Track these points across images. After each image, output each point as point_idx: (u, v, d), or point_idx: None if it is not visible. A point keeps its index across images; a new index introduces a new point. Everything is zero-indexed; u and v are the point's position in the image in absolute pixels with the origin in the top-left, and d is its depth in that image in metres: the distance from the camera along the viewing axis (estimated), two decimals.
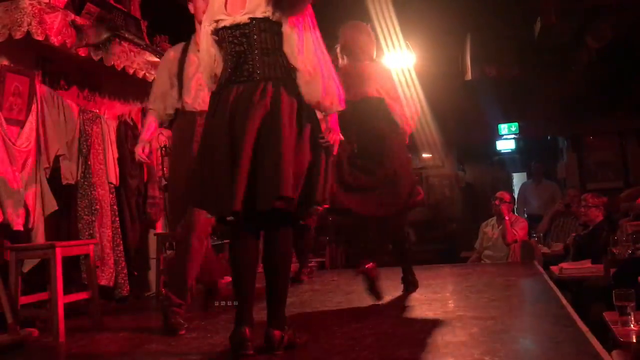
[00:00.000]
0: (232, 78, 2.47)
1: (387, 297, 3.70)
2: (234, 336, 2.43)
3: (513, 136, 9.32)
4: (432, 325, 2.97)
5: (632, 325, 2.52)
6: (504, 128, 9.18)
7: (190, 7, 3.44)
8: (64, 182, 4.14)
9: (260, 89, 2.40)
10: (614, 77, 8.25)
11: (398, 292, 3.85)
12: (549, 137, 9.50)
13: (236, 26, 2.47)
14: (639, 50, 7.55)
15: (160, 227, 5.24)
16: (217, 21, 2.52)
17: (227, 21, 2.49)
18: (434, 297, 3.68)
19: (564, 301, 3.32)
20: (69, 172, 4.17)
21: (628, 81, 8.26)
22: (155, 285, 4.85)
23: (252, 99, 2.39)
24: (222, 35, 2.53)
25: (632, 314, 2.55)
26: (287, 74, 2.46)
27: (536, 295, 3.83)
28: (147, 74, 4.54)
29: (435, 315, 3.20)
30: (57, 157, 4.07)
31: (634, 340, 2.40)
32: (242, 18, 2.45)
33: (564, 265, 4.57)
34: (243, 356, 2.40)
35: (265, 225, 2.51)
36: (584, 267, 4.40)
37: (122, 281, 4.42)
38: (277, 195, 2.30)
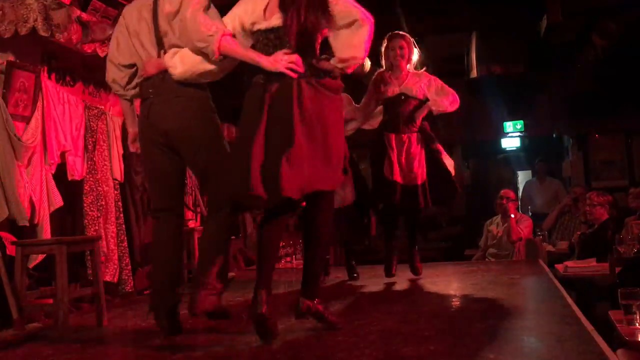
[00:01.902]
0: (266, 77, 2.60)
1: (391, 294, 3.70)
2: (254, 310, 2.54)
3: (518, 134, 9.29)
4: (436, 322, 2.97)
5: (637, 324, 2.51)
6: (509, 126, 9.15)
7: None
8: (70, 178, 4.15)
9: (295, 88, 2.54)
10: (620, 76, 8.21)
11: (403, 288, 3.85)
12: (554, 135, 9.47)
13: (271, 30, 2.63)
14: None
15: None
16: (252, 24, 2.67)
17: (263, 25, 2.64)
18: (439, 295, 3.68)
19: (569, 300, 3.31)
20: (75, 168, 4.19)
21: (634, 79, 8.22)
22: None
23: (290, 95, 2.53)
24: (257, 37, 2.69)
25: (637, 312, 2.54)
26: (316, 71, 2.61)
27: (541, 293, 3.81)
28: None
29: (439, 312, 3.20)
30: (62, 153, 4.09)
31: None
32: (277, 22, 2.60)
33: (568, 263, 4.56)
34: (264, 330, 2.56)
35: (310, 204, 2.69)
36: (589, 266, 4.38)
37: (126, 277, 4.44)
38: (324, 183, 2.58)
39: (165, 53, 2.82)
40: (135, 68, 2.93)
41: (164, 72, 2.78)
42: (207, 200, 3.15)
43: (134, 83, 2.96)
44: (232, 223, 3.07)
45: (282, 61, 2.55)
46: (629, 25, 6.80)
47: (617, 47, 7.34)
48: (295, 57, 2.56)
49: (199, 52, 2.69)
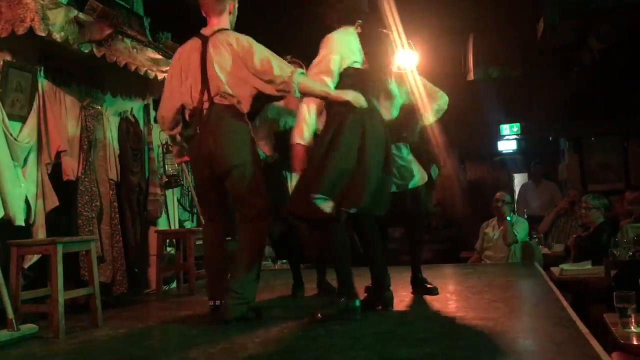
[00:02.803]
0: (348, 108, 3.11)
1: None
2: (351, 304, 3.10)
3: (515, 137, 9.31)
4: (432, 325, 2.97)
5: (632, 327, 2.51)
6: (505, 128, 9.18)
7: (232, 3, 3.43)
8: (65, 178, 4.14)
9: (378, 115, 3.24)
10: (616, 79, 8.24)
11: (399, 291, 3.84)
12: (550, 138, 9.49)
13: (364, 70, 3.20)
14: None
15: (161, 224, 5.25)
16: (355, 61, 3.18)
17: (362, 64, 3.19)
18: (435, 297, 3.68)
19: (565, 302, 3.32)
20: (70, 168, 4.17)
21: (630, 83, 8.24)
22: (156, 282, 4.85)
23: (379, 120, 3.21)
24: (349, 72, 3.16)
25: (632, 316, 2.54)
26: None
27: (536, 296, 3.82)
28: (149, 71, 4.54)
29: (435, 315, 3.20)
30: (58, 153, 4.08)
31: (635, 342, 2.39)
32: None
33: (564, 266, 4.57)
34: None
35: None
36: (585, 269, 4.40)
37: (121, 278, 4.42)
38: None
39: (208, 92, 3.21)
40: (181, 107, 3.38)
41: (210, 107, 3.20)
42: (240, 212, 3.34)
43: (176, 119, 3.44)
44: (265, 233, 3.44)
45: (359, 97, 3.12)
46: (625, 29, 6.83)
47: (613, 50, 7.37)
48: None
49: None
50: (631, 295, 2.57)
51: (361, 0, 3.35)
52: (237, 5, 3.48)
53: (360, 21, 3.27)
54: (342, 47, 3.16)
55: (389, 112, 3.57)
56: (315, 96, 3.12)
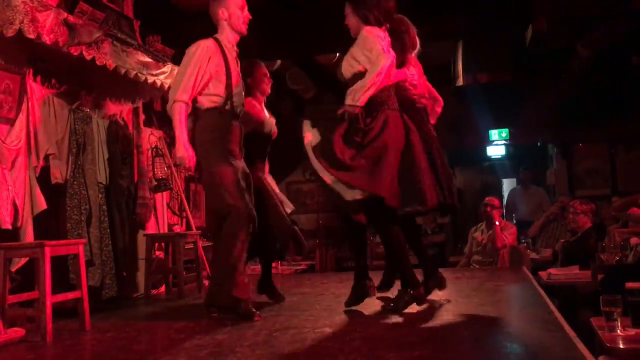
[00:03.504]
0: (390, 106, 3.42)
1: (375, 300, 3.71)
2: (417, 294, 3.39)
3: (503, 142, 9.37)
4: (420, 329, 2.98)
5: (618, 331, 2.53)
6: (494, 134, 9.23)
7: (222, 12, 3.59)
8: (53, 181, 4.12)
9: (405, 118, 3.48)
10: (604, 86, 8.31)
11: (386, 295, 3.85)
12: (539, 144, 9.55)
13: None
14: (629, 59, 7.61)
15: (150, 228, 5.22)
16: None
17: None
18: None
19: (552, 306, 3.34)
20: (59, 172, 4.15)
21: (618, 90, 8.32)
22: (144, 286, 4.83)
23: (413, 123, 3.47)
24: None
25: (618, 319, 2.56)
26: None
27: (524, 300, 3.84)
28: (139, 74, 4.52)
29: (423, 319, 3.21)
30: (46, 156, 4.06)
31: (621, 346, 2.41)
32: None
33: (552, 270, 4.59)
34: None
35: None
36: (572, 273, 4.42)
37: (110, 282, 4.39)
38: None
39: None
40: None
41: None
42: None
43: None
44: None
45: None
46: (613, 36, 6.89)
47: (602, 57, 7.43)
48: None
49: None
50: (617, 299, 2.59)
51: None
52: (230, 10, 3.57)
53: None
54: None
55: None
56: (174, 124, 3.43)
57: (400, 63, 3.59)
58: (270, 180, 4.16)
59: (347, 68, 3.47)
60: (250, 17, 3.66)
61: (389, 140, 3.32)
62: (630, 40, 7.13)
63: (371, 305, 3.56)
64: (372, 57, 3.31)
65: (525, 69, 8.03)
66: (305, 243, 4.25)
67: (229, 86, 3.51)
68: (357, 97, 3.31)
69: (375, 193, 3.23)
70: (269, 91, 4.18)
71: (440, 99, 3.87)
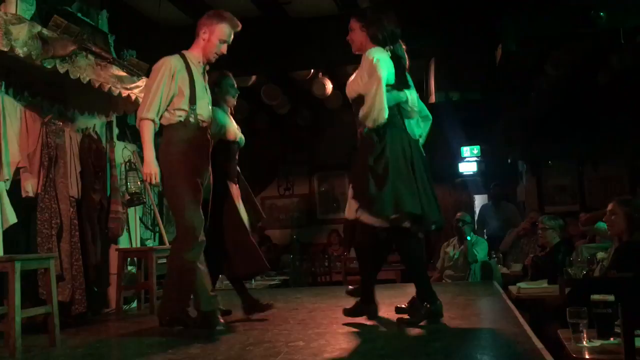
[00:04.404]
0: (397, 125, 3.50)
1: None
2: (434, 307, 3.43)
3: (475, 159, 9.50)
4: (394, 342, 3.01)
5: (584, 342, 2.59)
6: (466, 151, 9.37)
7: (204, 31, 3.63)
8: (24, 194, 4.07)
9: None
10: (572, 104, 8.53)
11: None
12: (509, 161, 9.72)
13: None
14: (595, 79, 7.84)
15: (122, 243, 5.18)
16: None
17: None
18: (397, 315, 3.72)
19: (521, 319, 3.41)
20: (29, 185, 4.10)
21: (585, 108, 8.54)
22: (116, 301, 4.78)
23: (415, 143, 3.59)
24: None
25: (584, 331, 2.62)
26: None
27: (495, 313, 3.91)
28: (113, 88, 4.51)
29: (397, 332, 3.24)
30: (17, 169, 4.01)
31: (587, 357, 2.47)
32: None
33: (522, 285, 4.67)
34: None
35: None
36: (541, 287, 4.50)
37: (80, 297, 4.33)
38: None
39: None
40: None
41: None
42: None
43: None
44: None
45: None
46: (579, 55, 7.10)
47: (569, 76, 7.63)
48: None
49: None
50: (583, 311, 2.65)
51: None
52: (212, 36, 3.63)
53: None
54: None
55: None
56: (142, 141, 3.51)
57: None
58: (236, 190, 4.10)
59: (352, 90, 3.55)
60: (224, 53, 3.70)
61: (398, 156, 3.40)
62: (596, 60, 7.36)
63: (345, 319, 3.58)
64: (369, 73, 3.36)
65: (495, 87, 8.20)
66: (262, 263, 4.14)
67: (193, 100, 3.54)
68: (367, 114, 3.36)
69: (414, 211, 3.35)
70: (234, 102, 4.23)
71: (430, 116, 3.89)
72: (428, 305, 3.43)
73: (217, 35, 3.63)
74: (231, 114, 4.22)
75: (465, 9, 6.07)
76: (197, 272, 3.46)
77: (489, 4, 5.95)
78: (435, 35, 6.22)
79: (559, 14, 5.82)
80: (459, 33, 6.25)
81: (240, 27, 3.70)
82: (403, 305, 3.62)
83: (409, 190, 3.36)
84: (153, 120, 3.48)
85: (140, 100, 4.75)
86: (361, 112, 3.41)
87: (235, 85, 4.22)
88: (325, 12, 6.15)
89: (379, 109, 3.32)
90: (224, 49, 3.68)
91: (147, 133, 3.47)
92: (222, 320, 3.55)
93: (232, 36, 3.68)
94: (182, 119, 3.53)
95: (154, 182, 3.47)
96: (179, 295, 3.49)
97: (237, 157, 4.17)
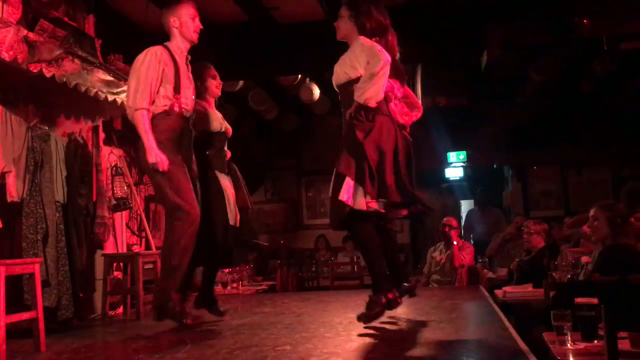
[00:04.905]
0: (383, 111, 3.47)
1: (336, 318, 3.74)
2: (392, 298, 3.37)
3: (461, 164, 9.58)
4: (380, 345, 3.02)
5: (569, 345, 2.62)
6: (452, 156, 9.43)
7: (173, 20, 3.68)
8: (9, 199, 4.03)
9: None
10: (556, 110, 8.63)
11: (346, 313, 3.89)
12: (495, 166, 9.80)
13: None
14: (579, 85, 7.94)
15: (108, 248, 5.15)
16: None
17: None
18: (383, 319, 3.72)
19: (507, 323, 3.44)
20: (15, 190, 4.07)
21: (569, 114, 8.65)
22: (102, 307, 4.74)
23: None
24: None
25: (569, 333, 2.65)
26: None
27: (481, 317, 3.93)
28: (99, 92, 4.50)
29: (384, 335, 3.25)
30: (2, 174, 3.98)
31: (571, 359, 2.50)
32: None
33: (507, 289, 4.71)
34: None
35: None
36: (526, 291, 4.54)
37: (66, 302, 4.30)
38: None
39: None
40: None
41: None
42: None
43: None
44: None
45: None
46: (563, 63, 7.19)
47: (553, 83, 7.73)
48: None
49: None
50: (567, 314, 2.68)
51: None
52: (182, 20, 3.69)
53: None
54: None
55: None
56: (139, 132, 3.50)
57: None
58: (226, 181, 4.08)
59: (341, 74, 3.51)
60: (202, 27, 3.77)
61: (385, 146, 3.39)
62: (579, 67, 7.46)
63: (330, 324, 3.59)
64: (372, 55, 3.36)
65: (481, 93, 8.28)
66: (249, 249, 4.20)
67: (177, 90, 3.58)
68: (366, 88, 3.35)
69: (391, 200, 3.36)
70: (219, 93, 4.24)
71: (420, 105, 3.88)
72: (382, 298, 3.35)
73: (185, 15, 3.69)
74: (215, 106, 4.23)
75: (451, 15, 6.14)
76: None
77: (475, 11, 6.02)
78: (421, 41, 6.28)
79: (543, 20, 5.90)
80: (445, 39, 6.32)
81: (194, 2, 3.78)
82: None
83: (397, 176, 3.38)
84: (147, 109, 3.48)
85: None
86: (357, 90, 3.39)
87: (218, 77, 4.23)
88: (313, 18, 6.18)
89: (377, 88, 3.33)
90: (198, 22, 3.74)
91: (144, 122, 3.46)
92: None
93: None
94: (166, 108, 3.55)
95: (162, 169, 3.45)
96: (172, 280, 3.51)
97: (225, 147, 4.17)
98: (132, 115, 3.52)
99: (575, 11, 5.70)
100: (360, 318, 3.37)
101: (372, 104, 3.38)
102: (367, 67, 3.38)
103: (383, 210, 3.41)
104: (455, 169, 9.78)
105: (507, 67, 7.26)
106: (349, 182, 3.32)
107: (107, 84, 4.62)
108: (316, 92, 8.07)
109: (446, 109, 8.55)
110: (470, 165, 9.63)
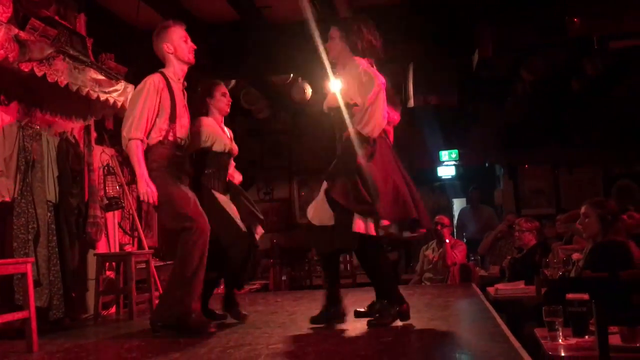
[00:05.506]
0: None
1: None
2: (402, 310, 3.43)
3: (453, 163, 9.61)
4: (373, 343, 3.03)
5: (560, 340, 2.64)
6: (444, 155, 9.47)
7: (167, 46, 3.67)
8: (0, 199, 4.01)
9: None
10: (547, 109, 8.68)
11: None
12: (487, 165, 9.84)
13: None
14: (570, 85, 7.99)
15: (100, 247, 5.13)
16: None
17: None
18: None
19: (499, 320, 3.46)
20: (6, 189, 4.05)
21: (560, 113, 8.70)
22: (94, 307, 4.73)
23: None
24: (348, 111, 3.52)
25: (560, 329, 2.67)
26: None
27: (473, 314, 3.95)
28: (91, 92, 4.48)
29: (377, 334, 3.27)
30: None
31: (562, 354, 2.52)
32: None
33: (499, 286, 4.73)
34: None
35: None
36: (518, 288, 4.57)
37: (58, 302, 4.28)
38: None
39: None
40: None
41: None
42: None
43: None
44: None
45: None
46: (554, 62, 7.23)
47: (544, 82, 7.77)
48: None
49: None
50: (558, 310, 2.70)
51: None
52: (175, 44, 3.68)
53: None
54: None
55: None
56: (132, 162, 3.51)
57: None
58: (225, 200, 4.06)
59: (335, 99, 3.50)
60: (195, 47, 3.75)
61: (389, 166, 3.39)
62: (570, 67, 7.50)
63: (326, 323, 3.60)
64: (367, 80, 3.35)
65: (472, 92, 8.31)
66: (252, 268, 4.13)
67: (172, 119, 3.59)
68: (367, 120, 3.33)
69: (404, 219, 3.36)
70: (228, 110, 4.21)
71: (396, 119, 3.82)
72: (397, 308, 3.41)
73: (177, 39, 3.69)
74: (224, 123, 4.19)
75: (442, 14, 6.16)
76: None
77: (466, 10, 6.04)
78: (413, 41, 6.30)
79: (534, 20, 5.93)
80: (437, 38, 6.34)
81: (183, 24, 3.77)
82: (362, 309, 3.64)
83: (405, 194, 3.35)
84: (141, 140, 3.49)
85: (119, 104, 4.77)
86: (358, 120, 3.36)
87: (228, 95, 4.22)
88: (305, 17, 6.18)
89: (378, 116, 3.33)
90: (191, 43, 3.73)
91: (137, 152, 3.47)
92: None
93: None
94: (161, 137, 3.57)
95: (151, 200, 3.45)
96: (188, 293, 3.42)
97: (227, 168, 4.11)
98: (125, 144, 3.52)
99: (566, 11, 5.73)
100: (372, 324, 3.40)
101: (376, 134, 3.37)
102: (363, 91, 3.36)
103: (393, 232, 3.40)
104: (447, 167, 9.81)
105: (498, 67, 7.29)
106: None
107: (99, 83, 4.60)
108: (308, 91, 8.07)
109: (438, 108, 8.57)
110: (462, 164, 9.66)
